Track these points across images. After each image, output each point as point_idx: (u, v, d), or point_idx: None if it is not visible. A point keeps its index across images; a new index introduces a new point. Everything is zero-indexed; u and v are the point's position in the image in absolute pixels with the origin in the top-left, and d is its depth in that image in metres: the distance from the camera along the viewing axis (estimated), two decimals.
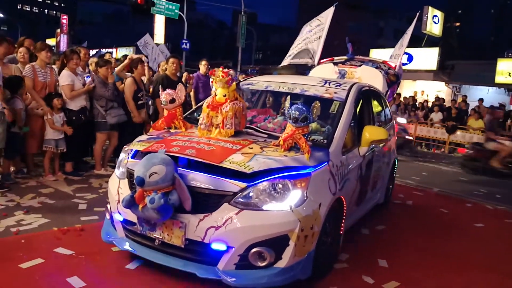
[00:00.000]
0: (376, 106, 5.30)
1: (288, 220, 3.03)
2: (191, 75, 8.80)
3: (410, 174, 8.73)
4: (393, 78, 6.37)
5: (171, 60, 6.86)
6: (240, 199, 3.05)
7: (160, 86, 5.53)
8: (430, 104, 16.88)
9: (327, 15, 7.31)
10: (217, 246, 3.02)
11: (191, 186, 3.09)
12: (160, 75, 6.94)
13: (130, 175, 3.41)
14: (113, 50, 31.10)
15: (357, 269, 3.83)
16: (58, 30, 34.74)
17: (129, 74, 6.65)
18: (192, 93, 8.79)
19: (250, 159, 3.16)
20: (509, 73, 19.21)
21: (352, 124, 4.14)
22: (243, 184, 3.07)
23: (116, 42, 39.51)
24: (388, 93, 7.24)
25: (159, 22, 30.62)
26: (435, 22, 23.17)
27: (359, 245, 4.44)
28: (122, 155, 3.74)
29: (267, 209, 3.06)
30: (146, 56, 8.20)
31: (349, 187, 3.92)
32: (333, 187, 3.48)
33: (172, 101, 3.99)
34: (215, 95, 3.71)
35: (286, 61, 7.54)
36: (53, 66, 6.38)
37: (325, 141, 3.76)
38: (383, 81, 6.08)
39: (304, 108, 3.35)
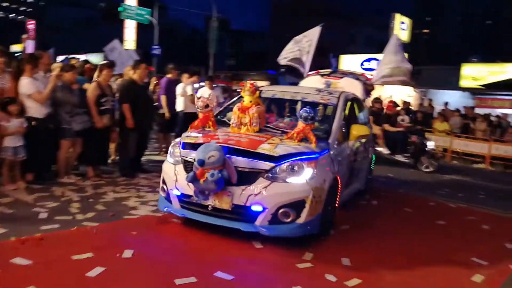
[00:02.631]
0: (358, 110, 6.55)
1: (304, 189, 4.23)
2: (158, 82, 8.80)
3: (376, 176, 8.89)
4: (370, 88, 7.66)
5: (142, 65, 6.93)
6: (270, 175, 4.24)
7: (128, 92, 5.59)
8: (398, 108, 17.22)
9: (315, 33, 8.49)
10: (255, 208, 4.18)
11: (235, 167, 4.21)
12: (126, 81, 6.93)
13: (184, 161, 4.56)
14: (83, 56, 30.58)
15: (320, 268, 3.92)
16: (25, 36, 33.95)
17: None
18: (163, 98, 8.79)
19: (275, 147, 4.38)
20: (473, 77, 19.85)
21: (342, 123, 5.37)
22: (272, 164, 4.27)
23: (86, 48, 38.83)
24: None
25: (130, 28, 30.30)
26: (403, 29, 23.80)
27: (323, 245, 4.54)
28: (171, 149, 4.89)
29: (289, 182, 4.24)
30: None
31: (342, 170, 5.16)
32: (332, 168, 4.72)
33: (206, 106, 4.93)
34: (243, 101, 4.92)
35: (283, 61, 8.43)
36: None
37: (326, 135, 4.99)
38: (362, 90, 7.28)
39: (311, 110, 4.53)
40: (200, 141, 4.52)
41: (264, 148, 4.33)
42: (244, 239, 4.35)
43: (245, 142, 4.46)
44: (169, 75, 9.07)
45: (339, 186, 4.96)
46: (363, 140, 6.25)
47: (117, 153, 7.49)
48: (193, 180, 4.18)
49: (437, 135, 14.17)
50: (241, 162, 4.27)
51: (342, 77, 7.39)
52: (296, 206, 4.19)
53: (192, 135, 4.85)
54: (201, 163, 4.07)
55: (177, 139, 4.93)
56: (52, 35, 52.99)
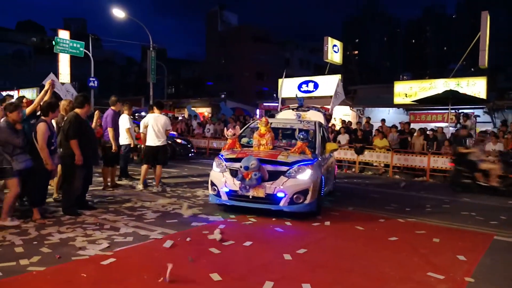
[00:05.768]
0: (325, 133, 9.12)
1: (308, 182, 6.68)
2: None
3: (324, 195, 9.00)
4: (329, 117, 10.33)
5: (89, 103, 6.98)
6: (287, 174, 6.69)
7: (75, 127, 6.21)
8: (338, 128, 17.70)
9: (282, 82, 12.97)
10: (280, 194, 6.60)
11: (267, 169, 6.66)
12: (72, 116, 6.58)
13: (229, 169, 6.92)
14: (15, 92, 29.24)
15: None
16: None
17: None
18: (110, 131, 8.54)
19: (287, 157, 6.92)
20: (406, 94, 20.86)
21: (320, 141, 7.88)
22: (287, 168, 6.75)
23: (17, 84, 37.31)
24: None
25: (64, 61, 29.49)
26: (335, 51, 24.72)
27: (283, 271, 4.48)
28: (216, 162, 7.23)
29: (299, 178, 6.69)
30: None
31: (324, 173, 7.50)
32: (320, 170, 7.18)
33: (233, 135, 7.65)
34: (260, 129, 7.52)
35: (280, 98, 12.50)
36: None
37: (313, 149, 7.47)
38: (324, 119, 9.62)
39: (306, 134, 7.30)
40: (240, 156, 6.93)
41: (281, 158, 6.87)
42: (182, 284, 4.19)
43: (268, 155, 6.98)
44: (113, 107, 8.83)
45: (323, 183, 7.32)
46: (332, 154, 8.97)
47: (60, 191, 7.10)
48: (242, 179, 6.58)
49: (378, 151, 14.69)
50: (269, 167, 6.72)
51: (308, 110, 9.71)
52: (304, 192, 6.61)
53: (229, 152, 7.32)
54: (247, 168, 6.48)
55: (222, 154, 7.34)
56: None
